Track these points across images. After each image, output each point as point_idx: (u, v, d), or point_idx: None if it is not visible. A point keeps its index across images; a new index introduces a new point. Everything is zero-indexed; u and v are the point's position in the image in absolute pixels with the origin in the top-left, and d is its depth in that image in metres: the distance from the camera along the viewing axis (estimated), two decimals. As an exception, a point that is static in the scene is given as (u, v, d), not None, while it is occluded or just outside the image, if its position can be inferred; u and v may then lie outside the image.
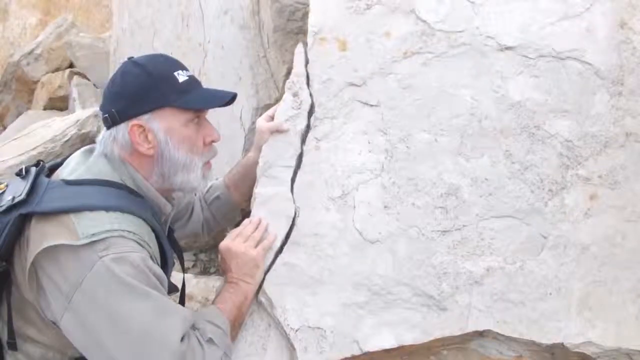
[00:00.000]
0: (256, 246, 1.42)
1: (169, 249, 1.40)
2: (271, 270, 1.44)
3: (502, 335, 1.43)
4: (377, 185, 1.47)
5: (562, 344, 1.41)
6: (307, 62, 1.55)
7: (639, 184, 1.47)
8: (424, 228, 1.45)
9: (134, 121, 1.30)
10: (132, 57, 1.37)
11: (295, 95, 1.53)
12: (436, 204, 1.46)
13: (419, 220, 1.45)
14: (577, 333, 1.41)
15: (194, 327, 1.26)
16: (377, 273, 1.43)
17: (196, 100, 1.34)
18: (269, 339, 1.43)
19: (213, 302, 1.39)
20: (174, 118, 1.33)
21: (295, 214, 1.46)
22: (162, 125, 1.31)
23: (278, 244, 1.45)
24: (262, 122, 1.57)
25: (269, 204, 1.48)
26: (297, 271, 1.43)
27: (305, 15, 1.67)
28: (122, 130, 1.31)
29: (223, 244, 1.44)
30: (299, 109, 1.52)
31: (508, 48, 1.51)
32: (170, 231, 1.52)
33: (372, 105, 1.51)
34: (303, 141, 1.52)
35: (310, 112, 1.53)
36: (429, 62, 1.52)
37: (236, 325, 1.37)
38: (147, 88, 1.30)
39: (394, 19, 1.54)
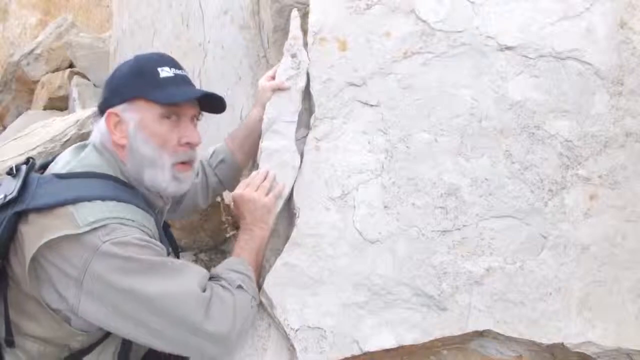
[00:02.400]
0: (267, 194, 1.47)
1: (166, 241, 1.41)
2: (271, 271, 1.44)
3: (502, 335, 1.43)
4: (377, 185, 1.47)
5: (562, 344, 1.41)
6: (309, 65, 1.57)
7: (639, 184, 1.47)
8: (424, 228, 1.45)
9: (110, 109, 1.34)
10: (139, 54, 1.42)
11: (293, 56, 1.57)
12: (436, 204, 1.46)
13: (419, 220, 1.45)
14: (577, 333, 1.41)
15: (219, 277, 1.31)
16: (377, 273, 1.43)
17: (168, 95, 1.33)
18: (269, 339, 1.43)
19: (232, 253, 1.44)
20: (147, 111, 1.33)
21: (300, 163, 1.51)
22: (135, 116, 1.33)
23: (286, 192, 1.50)
24: (264, 82, 1.63)
25: (275, 156, 1.52)
26: (297, 271, 1.43)
27: (305, 15, 1.67)
28: (102, 119, 1.36)
29: (236, 193, 1.49)
30: (298, 68, 1.56)
31: (508, 48, 1.51)
32: (165, 225, 1.54)
33: (372, 105, 1.51)
34: (303, 98, 1.57)
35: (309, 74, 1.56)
36: (429, 62, 1.52)
37: (257, 270, 1.43)
38: (127, 80, 1.35)
39: (394, 19, 1.54)
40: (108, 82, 1.38)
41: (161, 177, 1.35)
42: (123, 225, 1.22)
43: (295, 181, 1.50)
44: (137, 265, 1.20)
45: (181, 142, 1.36)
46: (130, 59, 1.39)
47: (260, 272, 1.46)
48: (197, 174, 1.72)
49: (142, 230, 1.26)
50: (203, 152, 1.74)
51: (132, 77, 1.34)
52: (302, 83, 1.56)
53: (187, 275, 1.25)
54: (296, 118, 1.55)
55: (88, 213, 1.21)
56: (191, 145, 1.38)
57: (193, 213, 1.81)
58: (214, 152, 1.75)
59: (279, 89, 1.57)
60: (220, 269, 1.35)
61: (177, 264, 1.26)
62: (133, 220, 1.25)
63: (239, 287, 1.30)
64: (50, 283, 1.22)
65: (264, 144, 1.54)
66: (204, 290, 1.24)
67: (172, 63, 1.39)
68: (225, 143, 1.75)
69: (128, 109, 1.33)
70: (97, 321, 1.23)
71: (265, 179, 1.49)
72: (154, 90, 1.33)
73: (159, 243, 1.28)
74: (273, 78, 1.61)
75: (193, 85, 1.41)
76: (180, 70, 1.38)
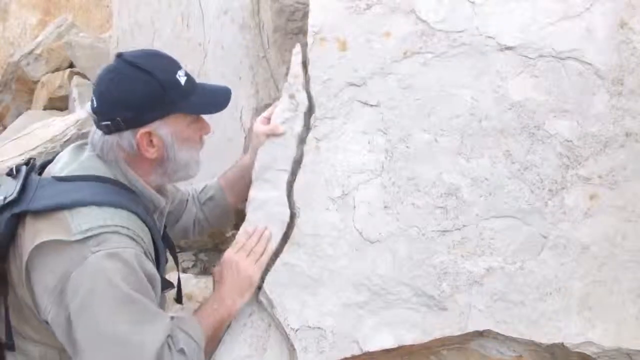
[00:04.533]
0: (257, 262, 1.41)
1: (162, 245, 1.40)
2: (271, 271, 1.44)
3: (502, 335, 1.43)
4: (377, 185, 1.47)
5: (562, 344, 1.41)
6: (304, 62, 1.54)
7: (639, 184, 1.47)
8: (424, 228, 1.45)
9: (144, 129, 1.30)
10: (123, 55, 1.32)
11: (291, 97, 1.52)
12: (436, 204, 1.46)
13: (419, 220, 1.45)
14: (577, 333, 1.41)
15: (169, 334, 1.26)
16: (377, 273, 1.43)
17: (201, 104, 1.36)
18: (269, 339, 1.43)
19: (195, 312, 1.39)
20: (179, 122, 1.34)
21: (290, 218, 1.46)
22: (169, 130, 1.33)
23: (273, 247, 1.45)
24: (258, 125, 1.56)
25: (264, 208, 1.47)
26: (297, 271, 1.43)
27: (305, 15, 1.67)
28: (128, 137, 1.30)
29: (226, 255, 1.43)
30: (296, 111, 1.51)
31: (508, 48, 1.51)
32: (164, 228, 1.52)
33: (372, 105, 1.51)
34: (299, 144, 1.51)
35: (308, 113, 1.52)
36: (429, 62, 1.52)
37: (213, 341, 1.37)
38: (156, 96, 1.29)
39: (394, 19, 1.54)
40: (126, 99, 1.27)
41: (193, 171, 1.42)
42: (117, 234, 1.21)
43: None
44: (115, 291, 1.17)
45: (201, 135, 1.42)
46: (131, 68, 1.28)
47: (216, 345, 1.39)
48: (192, 203, 1.71)
49: (136, 241, 1.24)
50: (194, 185, 1.72)
51: (161, 94, 1.29)
52: (298, 128, 1.49)
53: (154, 328, 1.20)
54: (289, 167, 1.49)
55: (83, 220, 1.19)
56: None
57: (183, 236, 1.78)
58: (204, 188, 1.72)
59: (273, 134, 1.50)
60: (174, 324, 1.28)
61: (150, 311, 1.22)
62: (129, 229, 1.23)
63: (181, 350, 1.24)
64: (34, 290, 1.21)
65: (253, 193, 1.49)
66: (160, 347, 1.20)
67: (177, 63, 1.37)
68: (217, 181, 1.72)
69: (162, 125, 1.31)
70: (56, 332, 1.21)
71: (259, 239, 1.43)
72: (184, 102, 1.32)
73: (149, 269, 1.25)
74: (268, 120, 1.54)
75: (195, 81, 1.41)
76: (182, 68, 1.37)
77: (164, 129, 1.32)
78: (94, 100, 1.31)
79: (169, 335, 1.24)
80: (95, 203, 1.23)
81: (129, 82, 1.28)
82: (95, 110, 1.31)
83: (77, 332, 1.17)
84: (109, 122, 1.29)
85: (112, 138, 1.30)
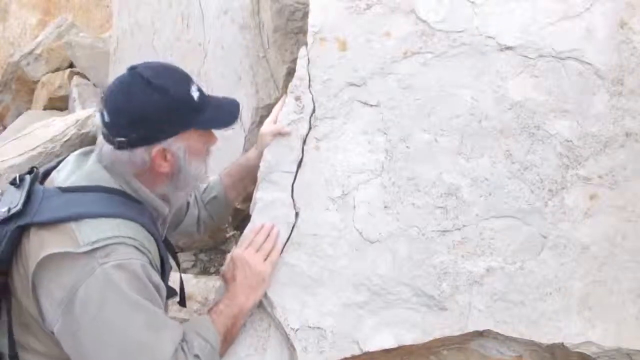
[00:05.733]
0: (265, 259, 1.41)
1: (166, 253, 1.39)
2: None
3: (502, 335, 1.43)
4: (377, 185, 1.47)
5: (562, 344, 1.41)
6: (309, 64, 1.54)
7: (639, 184, 1.47)
8: (424, 228, 1.45)
9: (159, 146, 1.29)
10: (137, 69, 1.29)
11: (297, 99, 1.52)
12: (436, 204, 1.46)
13: (419, 220, 1.45)
14: (577, 333, 1.41)
15: (183, 338, 1.26)
16: (377, 273, 1.43)
17: (213, 120, 1.36)
18: (269, 339, 1.43)
19: (208, 311, 1.38)
20: (191, 136, 1.33)
21: (295, 219, 1.46)
22: (182, 145, 1.32)
23: (279, 250, 1.44)
24: (264, 126, 1.57)
25: (270, 210, 1.47)
26: (297, 271, 1.43)
27: (305, 15, 1.67)
28: (142, 153, 1.28)
29: (235, 252, 1.43)
30: (301, 113, 1.51)
31: (508, 48, 1.51)
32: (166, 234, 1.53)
33: (372, 105, 1.51)
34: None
35: (313, 116, 1.52)
36: (429, 62, 1.52)
37: (228, 339, 1.36)
38: (170, 114, 1.28)
39: (394, 19, 1.54)
40: (139, 116, 1.25)
41: (200, 182, 1.44)
42: (124, 245, 1.20)
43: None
44: (124, 300, 1.17)
45: (208, 149, 1.41)
46: (145, 85, 1.26)
47: (232, 341, 1.39)
48: (193, 205, 1.72)
49: (142, 252, 1.23)
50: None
51: (174, 111, 1.28)
52: (304, 130, 1.49)
53: (165, 335, 1.21)
54: (295, 168, 1.49)
55: (90, 232, 1.19)
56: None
57: (188, 237, 1.79)
58: (207, 187, 1.72)
59: (279, 134, 1.50)
60: (188, 327, 1.30)
61: (160, 318, 1.23)
62: (135, 239, 1.23)
63: (196, 356, 1.24)
64: (40, 302, 1.21)
65: (258, 194, 1.49)
66: (172, 354, 1.21)
67: (190, 77, 1.35)
68: (220, 178, 1.72)
69: (175, 140, 1.30)
70: (64, 345, 1.21)
71: (268, 236, 1.43)
72: (197, 117, 1.32)
73: (156, 280, 1.25)
74: (275, 123, 1.54)
75: (206, 94, 1.40)
76: (194, 82, 1.36)
77: (177, 144, 1.31)
78: (105, 114, 1.28)
79: (183, 340, 1.25)
80: (102, 214, 1.22)
81: (144, 100, 1.26)
82: (106, 124, 1.28)
83: (89, 344, 1.17)
84: (122, 139, 1.26)
85: (124, 154, 1.28)
